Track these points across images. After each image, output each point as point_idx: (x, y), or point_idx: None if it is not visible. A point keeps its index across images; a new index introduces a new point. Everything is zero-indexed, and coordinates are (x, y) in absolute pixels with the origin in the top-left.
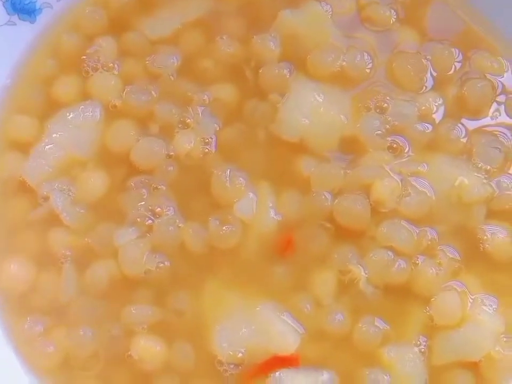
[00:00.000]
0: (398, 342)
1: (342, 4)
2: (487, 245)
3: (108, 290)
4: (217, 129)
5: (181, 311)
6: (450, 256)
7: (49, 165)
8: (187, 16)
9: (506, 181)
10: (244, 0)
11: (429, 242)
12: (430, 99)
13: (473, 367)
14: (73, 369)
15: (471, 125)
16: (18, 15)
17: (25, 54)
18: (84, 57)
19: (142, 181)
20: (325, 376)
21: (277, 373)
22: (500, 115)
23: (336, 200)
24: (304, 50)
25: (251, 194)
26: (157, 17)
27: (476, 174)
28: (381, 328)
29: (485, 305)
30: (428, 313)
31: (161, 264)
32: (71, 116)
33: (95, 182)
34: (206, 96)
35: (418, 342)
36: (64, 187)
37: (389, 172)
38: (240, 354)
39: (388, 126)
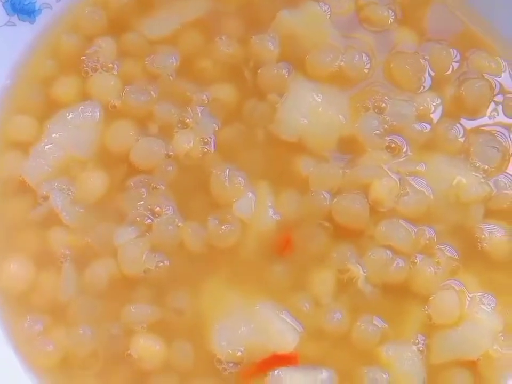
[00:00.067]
0: (396, 340)
1: (340, 4)
2: (485, 244)
3: (108, 289)
4: (216, 129)
5: (180, 310)
6: (449, 255)
7: (49, 165)
8: (186, 16)
9: (504, 180)
10: (242, 0)
11: (427, 241)
12: (428, 99)
13: (471, 365)
14: (73, 368)
15: (469, 124)
16: (18, 15)
17: (25, 55)
18: (83, 57)
19: (141, 180)
20: (324, 374)
21: (276, 372)
22: (497, 115)
23: (335, 200)
24: (302, 51)
25: (250, 194)
26: (156, 17)
27: (473, 173)
28: (380, 326)
29: (483, 304)
30: (426, 312)
31: (161, 264)
32: (70, 116)
33: (95, 181)
34: (205, 96)
35: (417, 341)
36: (64, 187)
37: (387, 171)
38: (239, 353)
39: (386, 126)
